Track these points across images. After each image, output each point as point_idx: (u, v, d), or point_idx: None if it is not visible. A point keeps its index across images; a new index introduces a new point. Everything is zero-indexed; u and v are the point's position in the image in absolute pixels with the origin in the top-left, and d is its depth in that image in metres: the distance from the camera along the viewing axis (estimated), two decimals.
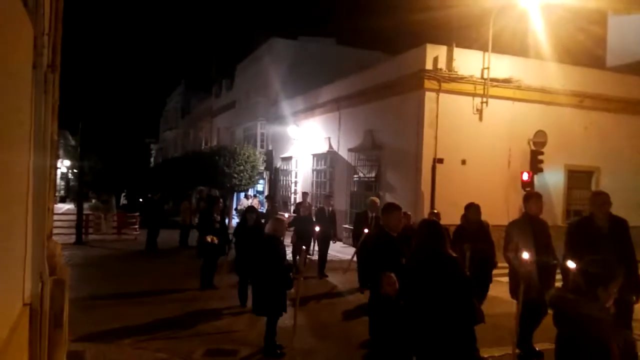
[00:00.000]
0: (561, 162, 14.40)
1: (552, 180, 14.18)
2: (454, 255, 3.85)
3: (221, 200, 10.56)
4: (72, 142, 44.38)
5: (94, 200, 27.73)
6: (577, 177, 14.99)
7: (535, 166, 13.58)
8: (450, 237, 5.24)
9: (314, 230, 10.33)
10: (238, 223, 8.60)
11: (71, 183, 47.48)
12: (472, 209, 6.35)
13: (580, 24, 17.57)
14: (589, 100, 14.67)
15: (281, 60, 23.55)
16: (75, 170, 38.54)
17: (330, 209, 11.13)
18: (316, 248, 10.78)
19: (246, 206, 19.31)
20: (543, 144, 13.71)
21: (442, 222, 6.46)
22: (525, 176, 13.54)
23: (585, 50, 17.42)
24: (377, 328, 4.16)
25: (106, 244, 15.62)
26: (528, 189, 13.54)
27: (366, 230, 8.17)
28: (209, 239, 8.60)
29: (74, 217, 16.34)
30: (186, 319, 6.98)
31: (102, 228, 17.94)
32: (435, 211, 6.85)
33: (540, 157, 13.60)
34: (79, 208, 16.16)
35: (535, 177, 13.62)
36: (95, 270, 11.10)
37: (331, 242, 10.99)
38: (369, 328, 4.25)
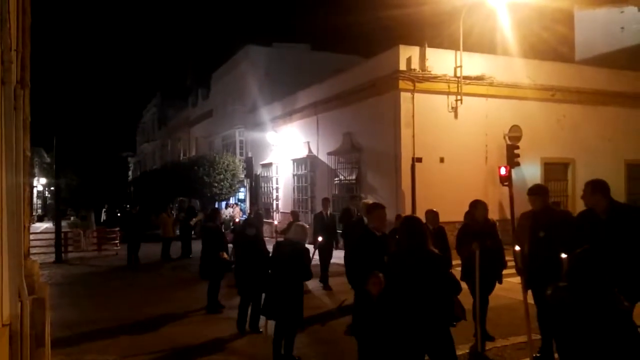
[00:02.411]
0: (537, 155, 14.72)
1: (529, 173, 14.47)
2: (437, 252, 3.89)
3: (221, 210, 9.81)
4: (48, 160, 43.41)
5: (72, 218, 27.18)
6: (553, 169, 15.34)
7: (512, 160, 13.83)
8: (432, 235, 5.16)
9: (316, 239, 9.96)
10: (235, 237, 7.84)
11: (48, 201, 46.42)
12: (479, 207, 5.91)
13: (546, 22, 18.10)
14: (560, 93, 15.06)
15: (257, 67, 23.52)
16: (52, 188, 37.72)
17: (329, 212, 10.73)
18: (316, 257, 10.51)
19: (229, 215, 19.30)
20: (518, 138, 14.00)
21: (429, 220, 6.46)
22: (503, 171, 13.79)
23: (551, 48, 17.94)
24: (361, 329, 4.17)
25: (87, 261, 15.30)
26: (506, 183, 13.81)
27: None
28: (224, 255, 7.94)
29: (52, 236, 16.00)
30: (174, 333, 6.88)
31: (81, 245, 17.59)
32: (434, 210, 6.69)
33: (516, 151, 13.87)
34: (57, 225, 15.84)
35: (513, 171, 13.87)
36: (77, 288, 10.84)
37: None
38: (353, 328, 4.24)
